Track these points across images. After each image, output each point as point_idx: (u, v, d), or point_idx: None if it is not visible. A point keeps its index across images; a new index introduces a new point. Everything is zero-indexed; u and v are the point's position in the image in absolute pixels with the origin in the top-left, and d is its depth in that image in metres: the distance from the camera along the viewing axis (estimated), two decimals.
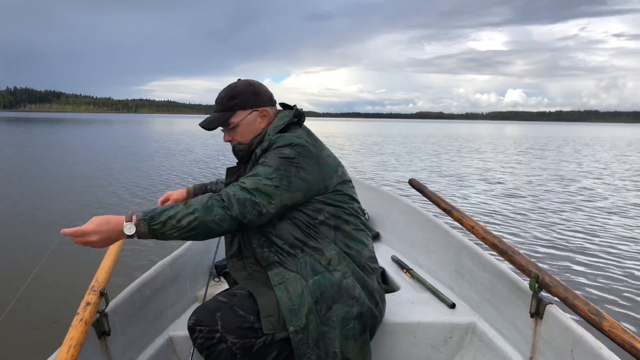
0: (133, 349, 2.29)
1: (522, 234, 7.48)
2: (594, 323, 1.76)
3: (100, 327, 2.06)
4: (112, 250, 2.29)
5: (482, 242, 2.51)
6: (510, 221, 8.35)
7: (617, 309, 4.46)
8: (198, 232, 1.81)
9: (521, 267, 2.16)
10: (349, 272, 2.05)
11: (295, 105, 2.28)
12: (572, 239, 7.15)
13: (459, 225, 2.71)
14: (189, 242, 3.00)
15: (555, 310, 2.01)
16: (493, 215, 8.87)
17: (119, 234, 1.76)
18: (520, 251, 2.27)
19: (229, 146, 2.25)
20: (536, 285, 2.05)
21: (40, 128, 49.77)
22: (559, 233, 7.46)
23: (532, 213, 9.04)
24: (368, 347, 2.09)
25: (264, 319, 1.95)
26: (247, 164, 2.20)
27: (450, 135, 51.39)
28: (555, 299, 1.99)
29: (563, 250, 6.53)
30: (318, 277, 1.99)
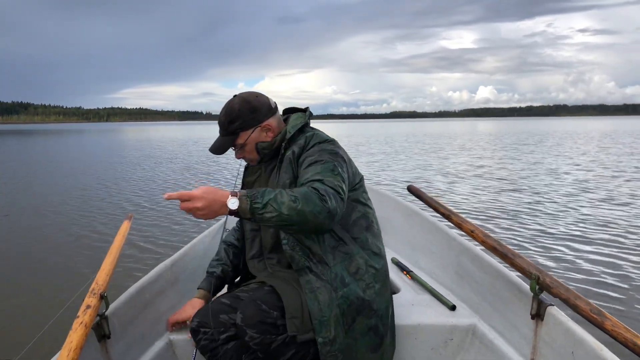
0: (133, 352, 2.28)
1: (530, 226, 7.50)
2: (596, 323, 1.76)
3: (100, 330, 2.06)
4: (112, 252, 2.28)
5: (482, 246, 2.52)
6: (521, 216, 8.33)
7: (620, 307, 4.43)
8: (294, 221, 1.76)
9: (521, 269, 2.16)
10: (372, 283, 2.07)
11: (308, 108, 2.32)
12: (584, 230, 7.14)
13: (459, 230, 2.72)
14: (187, 246, 3.00)
15: (556, 311, 2.02)
16: (500, 209, 8.84)
17: (222, 207, 1.75)
18: (521, 253, 2.28)
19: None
20: (537, 286, 2.05)
21: (12, 141, 48.56)
22: (565, 226, 7.47)
23: (536, 206, 9.06)
24: (387, 357, 2.13)
25: (288, 320, 1.95)
26: (269, 163, 2.23)
27: (432, 134, 51.50)
28: (557, 300, 1.99)
29: (564, 240, 6.57)
30: (346, 289, 2.00)
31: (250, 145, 2.17)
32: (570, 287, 1.98)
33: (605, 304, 4.42)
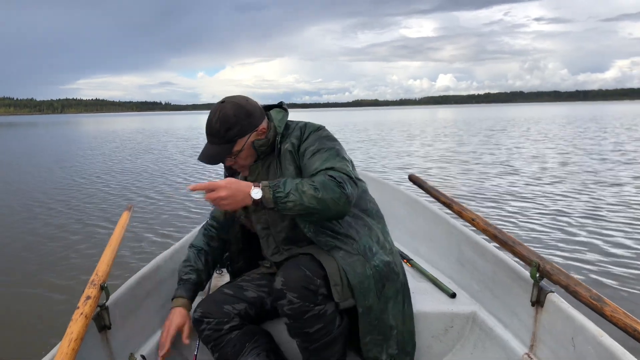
0: (134, 342, 2.29)
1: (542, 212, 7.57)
2: (595, 309, 1.77)
3: (100, 320, 2.06)
4: (112, 243, 2.27)
5: (483, 234, 2.54)
6: (538, 198, 8.46)
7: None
8: (316, 209, 1.82)
9: (522, 257, 2.18)
10: (391, 247, 2.17)
11: (282, 102, 2.31)
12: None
13: (460, 218, 2.74)
14: (187, 236, 2.98)
15: (556, 298, 2.02)
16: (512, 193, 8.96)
17: (246, 197, 1.80)
18: (521, 241, 2.29)
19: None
20: (537, 273, 2.06)
21: None
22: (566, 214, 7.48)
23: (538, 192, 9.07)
24: (407, 317, 2.17)
25: (333, 287, 1.95)
26: (265, 159, 2.19)
27: (403, 121, 51.73)
28: (557, 287, 2.01)
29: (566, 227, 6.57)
30: (376, 257, 2.05)
31: (246, 151, 2.12)
32: (573, 274, 1.99)
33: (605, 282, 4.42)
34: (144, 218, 7.56)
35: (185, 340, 2.23)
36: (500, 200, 8.41)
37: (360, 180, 2.17)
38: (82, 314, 1.82)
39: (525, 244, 2.26)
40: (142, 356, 2.25)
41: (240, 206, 1.83)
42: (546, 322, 2.06)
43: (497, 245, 2.40)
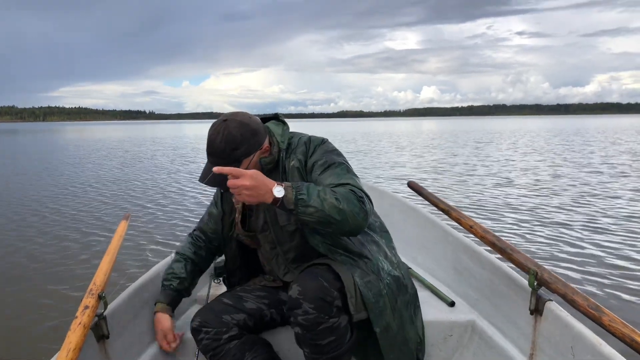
0: (132, 352, 2.27)
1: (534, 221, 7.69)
2: (593, 318, 1.78)
3: (99, 330, 2.05)
4: (110, 252, 2.27)
5: (481, 241, 2.54)
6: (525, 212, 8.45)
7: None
8: (334, 220, 1.79)
9: (520, 265, 2.18)
10: (397, 260, 2.18)
11: (277, 114, 2.28)
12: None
13: (458, 225, 2.74)
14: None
15: (554, 306, 2.03)
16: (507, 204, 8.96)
17: (267, 192, 1.74)
18: (519, 249, 2.29)
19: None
20: (535, 282, 2.06)
21: None
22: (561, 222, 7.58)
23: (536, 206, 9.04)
24: (419, 324, 2.20)
25: (350, 299, 1.93)
26: (271, 175, 2.08)
27: (390, 132, 52.03)
28: (555, 295, 2.01)
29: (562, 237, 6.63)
30: (387, 274, 2.05)
31: (252, 169, 2.05)
32: (571, 283, 1.99)
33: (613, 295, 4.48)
34: (141, 227, 7.54)
35: (166, 347, 2.27)
36: (497, 211, 8.49)
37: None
38: (80, 323, 1.82)
39: (522, 252, 2.26)
40: None
41: (260, 201, 1.75)
42: (545, 331, 2.06)
43: (495, 252, 2.40)
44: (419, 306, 2.21)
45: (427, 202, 3.18)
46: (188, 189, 11.82)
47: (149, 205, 9.61)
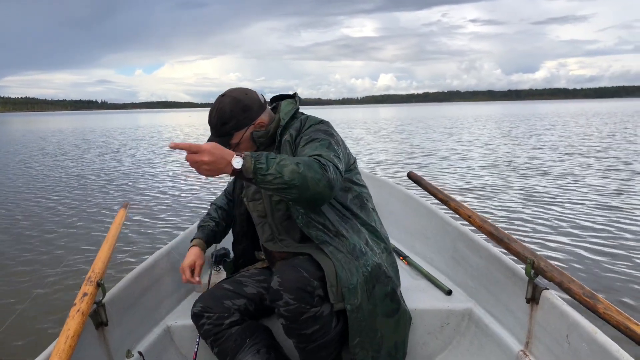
0: (131, 339, 2.31)
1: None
2: (588, 306, 1.79)
3: (97, 317, 2.08)
4: (108, 240, 2.29)
5: (478, 231, 2.55)
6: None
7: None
8: (294, 185, 1.76)
9: (517, 254, 2.19)
10: (381, 252, 2.15)
11: (296, 93, 2.33)
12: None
13: (456, 214, 2.74)
14: (184, 233, 3.01)
15: (550, 295, 2.04)
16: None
17: (227, 165, 1.73)
18: (516, 238, 2.30)
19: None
20: (532, 270, 2.08)
21: None
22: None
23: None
24: (399, 326, 2.16)
25: (329, 288, 1.95)
26: (267, 150, 2.19)
27: (355, 120, 50.87)
28: (552, 284, 2.02)
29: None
30: (365, 257, 2.05)
31: (245, 144, 2.15)
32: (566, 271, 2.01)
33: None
34: (139, 215, 7.55)
35: (195, 278, 2.38)
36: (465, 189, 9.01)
37: (360, 185, 2.21)
38: (78, 310, 1.83)
39: (520, 241, 2.27)
40: (140, 352, 2.26)
41: (220, 173, 1.77)
42: (541, 319, 2.08)
43: (493, 242, 2.41)
44: (399, 302, 2.17)
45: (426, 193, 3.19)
46: (170, 178, 11.79)
47: (147, 194, 9.62)
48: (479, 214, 2.60)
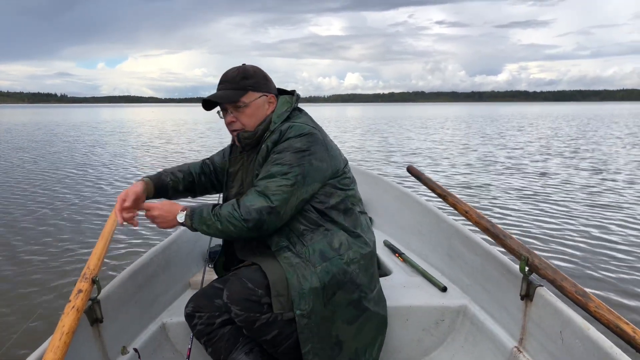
0: (126, 335, 2.30)
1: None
2: (580, 304, 1.80)
3: (92, 314, 2.07)
4: (104, 237, 2.27)
5: (474, 227, 2.57)
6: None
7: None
8: (221, 236, 2.07)
9: (512, 251, 2.20)
10: (357, 258, 2.08)
11: (294, 91, 2.29)
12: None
13: (451, 210, 2.76)
14: (179, 230, 2.96)
15: (544, 292, 2.05)
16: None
17: (174, 218, 2.06)
18: (512, 235, 2.32)
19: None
20: (526, 267, 2.08)
21: None
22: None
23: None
24: (363, 333, 2.13)
25: (274, 297, 1.97)
26: (251, 152, 2.20)
27: (326, 117, 52.10)
28: (545, 281, 2.02)
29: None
30: (327, 263, 2.01)
31: (251, 109, 2.14)
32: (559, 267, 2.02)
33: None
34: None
35: (124, 215, 2.14)
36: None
37: (344, 190, 2.13)
38: (73, 307, 1.83)
39: (515, 238, 2.28)
40: (135, 349, 2.27)
41: (171, 226, 2.08)
42: (535, 316, 2.09)
43: (488, 238, 2.42)
44: (367, 310, 2.12)
45: (424, 188, 3.17)
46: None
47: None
48: (476, 210, 2.60)
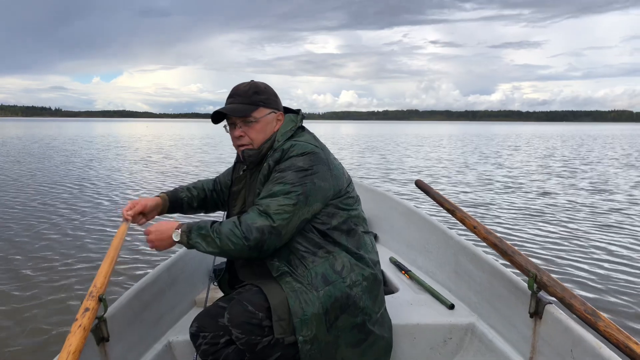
0: (132, 354, 2.29)
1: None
2: (589, 322, 1.78)
3: (99, 333, 2.06)
4: (110, 255, 2.25)
5: (481, 242, 2.54)
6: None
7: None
8: (220, 254, 2.01)
9: (520, 267, 2.18)
10: (359, 280, 2.06)
11: (300, 110, 2.28)
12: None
13: (458, 225, 2.72)
14: (185, 248, 2.88)
15: (554, 309, 2.03)
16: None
17: (169, 238, 2.03)
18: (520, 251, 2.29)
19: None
20: (535, 284, 2.06)
21: None
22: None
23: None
24: (367, 356, 2.11)
25: (275, 322, 1.95)
26: (254, 170, 2.21)
27: (325, 135, 52.04)
28: (554, 299, 2.00)
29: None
30: (329, 287, 2.00)
31: (260, 125, 2.14)
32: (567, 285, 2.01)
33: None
34: (141, 230, 7.22)
35: (127, 213, 2.35)
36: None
37: (347, 210, 2.11)
38: (80, 326, 1.81)
39: (523, 254, 2.25)
40: None
41: (168, 245, 2.06)
42: (545, 334, 2.07)
43: (497, 254, 2.39)
44: (373, 335, 2.09)
45: (426, 203, 3.16)
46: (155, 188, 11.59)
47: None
48: (484, 225, 2.58)
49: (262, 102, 2.14)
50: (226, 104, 2.18)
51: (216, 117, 2.20)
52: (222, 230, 1.95)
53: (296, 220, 1.96)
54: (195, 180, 2.68)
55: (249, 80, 2.22)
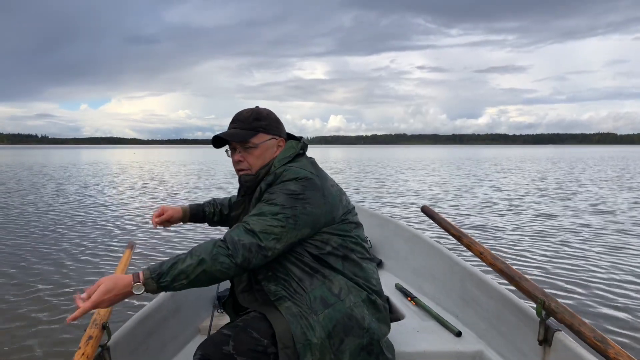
0: None
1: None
2: (599, 350, 1.75)
3: None
4: None
5: (489, 268, 2.53)
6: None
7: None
8: (205, 280, 1.87)
9: (528, 293, 2.16)
10: (360, 302, 2.05)
11: (302, 137, 2.30)
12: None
13: (464, 251, 2.71)
14: None
15: (564, 337, 2.00)
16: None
17: (127, 293, 1.79)
18: (528, 277, 2.27)
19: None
20: (543, 311, 2.04)
21: None
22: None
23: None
24: None
25: (281, 350, 1.92)
26: (252, 195, 2.20)
27: (327, 159, 52.43)
28: (563, 325, 1.98)
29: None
30: (329, 310, 1.98)
31: (260, 150, 2.16)
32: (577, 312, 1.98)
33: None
34: (145, 257, 7.42)
35: (154, 220, 2.53)
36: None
37: (344, 235, 2.10)
38: (83, 354, 1.80)
39: (531, 280, 2.24)
40: None
41: (123, 299, 1.82)
42: None
43: (504, 280, 2.38)
44: (383, 355, 2.06)
45: (438, 228, 3.12)
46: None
47: (152, 233, 9.34)
48: (491, 251, 2.58)
49: (262, 128, 2.16)
50: (228, 129, 2.22)
51: (217, 141, 2.22)
52: (204, 249, 1.86)
53: (283, 243, 1.94)
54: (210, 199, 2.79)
55: (252, 107, 2.26)
